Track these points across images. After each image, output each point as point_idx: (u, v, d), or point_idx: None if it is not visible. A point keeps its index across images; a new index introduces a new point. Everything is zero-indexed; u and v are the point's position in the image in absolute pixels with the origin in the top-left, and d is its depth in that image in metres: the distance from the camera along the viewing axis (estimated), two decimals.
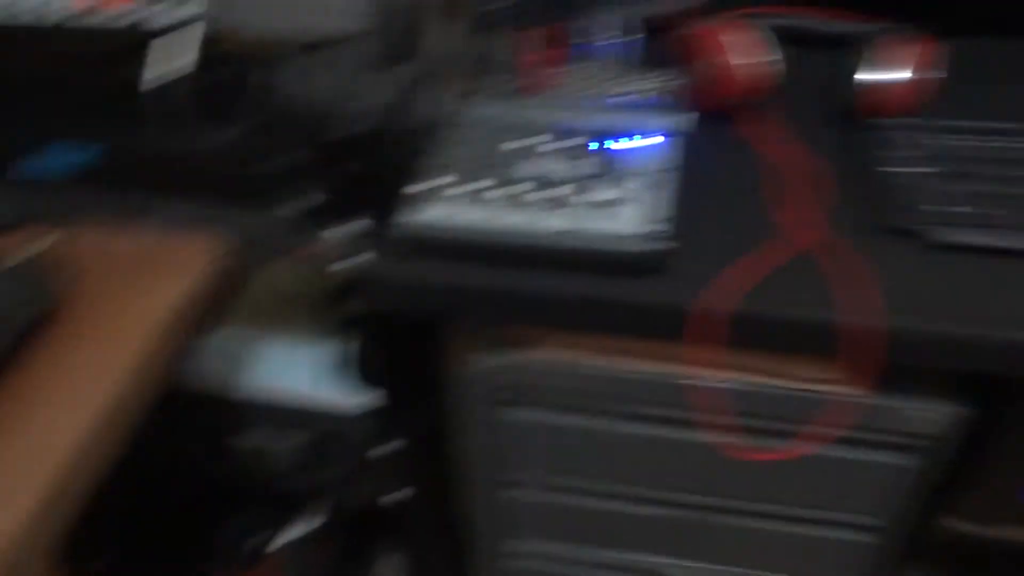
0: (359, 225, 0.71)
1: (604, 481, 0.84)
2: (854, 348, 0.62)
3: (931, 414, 0.71)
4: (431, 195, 0.67)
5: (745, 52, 0.77)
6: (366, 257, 0.68)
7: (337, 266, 0.73)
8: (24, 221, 0.70)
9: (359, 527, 1.12)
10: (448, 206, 0.66)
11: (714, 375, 0.70)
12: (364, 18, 0.74)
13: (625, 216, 0.65)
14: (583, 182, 0.68)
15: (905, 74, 0.76)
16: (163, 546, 1.08)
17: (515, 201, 0.66)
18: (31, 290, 0.65)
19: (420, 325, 0.78)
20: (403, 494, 0.95)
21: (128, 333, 0.66)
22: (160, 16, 0.73)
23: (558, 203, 0.66)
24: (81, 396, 0.62)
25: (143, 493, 0.98)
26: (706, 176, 0.73)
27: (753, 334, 0.64)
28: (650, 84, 0.76)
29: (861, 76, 0.77)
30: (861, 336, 0.61)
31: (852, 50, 0.79)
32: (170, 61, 0.74)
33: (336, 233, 0.72)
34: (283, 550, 1.09)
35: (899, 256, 0.66)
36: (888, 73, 0.76)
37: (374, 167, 0.71)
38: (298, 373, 0.89)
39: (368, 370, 0.85)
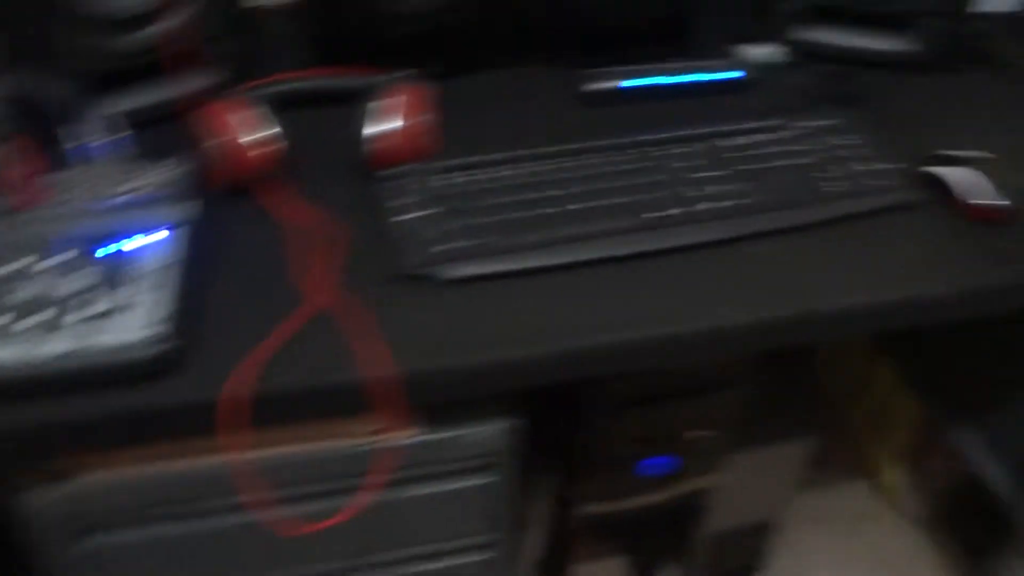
0: None
1: None
2: (381, 399, 0.64)
3: (486, 434, 0.75)
4: None
5: (250, 127, 0.78)
6: None
7: None
8: None
9: None
10: None
11: (259, 454, 0.70)
12: None
13: (127, 323, 0.63)
14: (83, 296, 0.64)
15: (399, 123, 0.80)
16: None
17: (5, 333, 0.62)
18: None
19: None
20: None
21: None
22: None
23: (53, 326, 0.62)
24: None
25: None
26: (222, 258, 0.73)
27: (280, 409, 0.65)
28: (152, 177, 0.74)
29: (367, 130, 0.80)
30: (382, 387, 0.64)
31: (358, 104, 0.82)
32: None
33: None
34: None
35: (416, 300, 0.70)
36: (387, 124, 0.80)
37: None
38: None
39: None
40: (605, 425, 1.00)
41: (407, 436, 0.72)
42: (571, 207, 0.76)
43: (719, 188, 0.79)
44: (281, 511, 0.72)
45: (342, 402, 0.65)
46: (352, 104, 0.82)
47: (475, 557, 0.89)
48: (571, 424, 1.09)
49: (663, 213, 0.76)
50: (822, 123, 0.88)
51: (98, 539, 0.74)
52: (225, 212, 0.77)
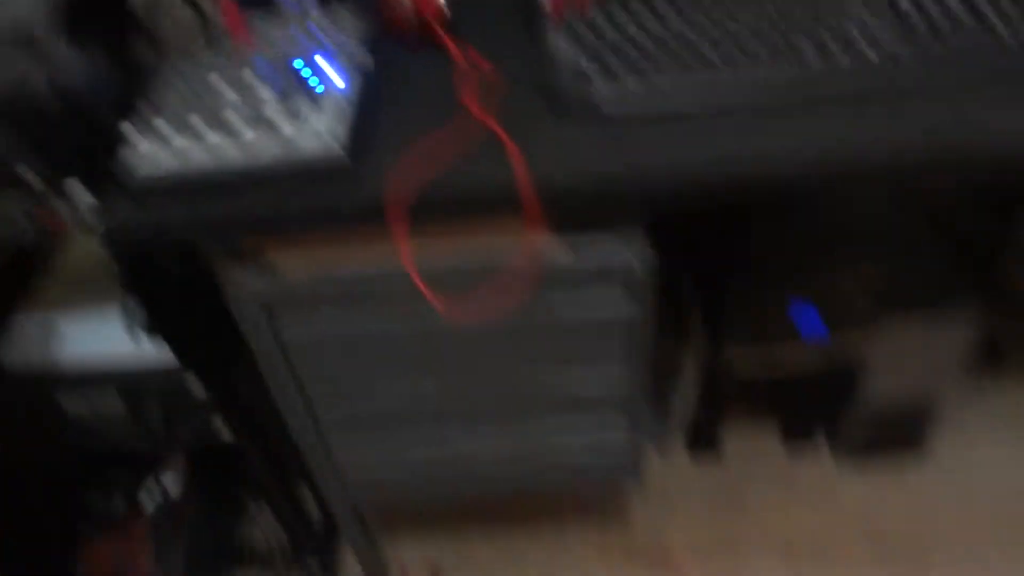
0: (91, 185, 0.78)
1: (390, 382, 0.93)
2: (527, 207, 0.72)
3: (625, 256, 0.82)
4: (151, 140, 0.74)
5: None
6: (107, 211, 0.75)
7: (87, 227, 0.80)
8: None
9: (215, 474, 1.20)
10: (167, 148, 0.74)
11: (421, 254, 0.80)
12: None
13: (313, 133, 0.73)
14: (285, 106, 0.75)
15: None
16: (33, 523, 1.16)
17: (225, 135, 0.74)
18: None
19: (192, 271, 0.86)
20: (233, 435, 1.03)
21: None
22: None
23: (265, 130, 0.74)
24: None
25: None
26: (395, 92, 0.82)
27: (436, 210, 0.74)
28: (338, 25, 0.84)
29: None
30: (528, 195, 0.71)
31: None
32: None
33: (75, 197, 0.79)
34: (149, 509, 1.18)
35: (571, 130, 0.76)
36: None
37: (90, 127, 0.77)
38: (107, 337, 0.95)
39: (155, 325, 0.92)
40: (751, 265, 1.03)
41: (549, 251, 0.80)
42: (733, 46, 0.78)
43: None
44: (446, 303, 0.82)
45: (490, 210, 0.74)
46: None
47: (616, 389, 0.96)
48: (722, 272, 1.12)
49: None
50: None
51: (294, 332, 0.88)
52: (399, 55, 0.86)
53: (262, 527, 1.31)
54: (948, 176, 0.81)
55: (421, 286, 0.79)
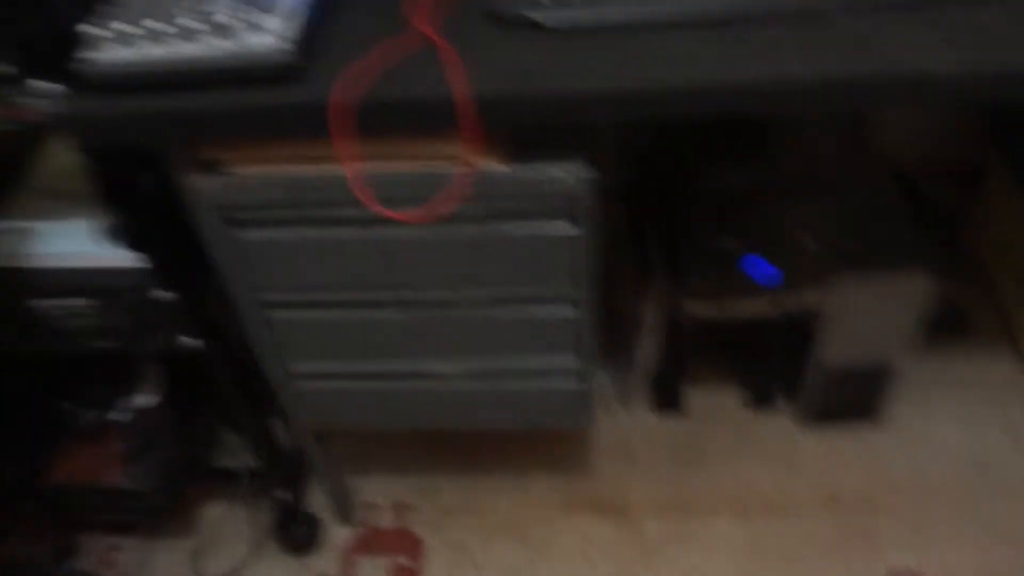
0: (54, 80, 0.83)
1: (334, 290, 0.98)
2: (466, 122, 0.75)
3: (564, 176, 0.85)
4: (110, 38, 0.78)
5: None
6: (65, 103, 0.80)
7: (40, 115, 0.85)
8: None
9: (188, 392, 1.25)
10: (126, 45, 0.78)
11: (365, 166, 0.83)
12: None
13: (263, 37, 0.78)
14: (231, 12, 0.79)
15: None
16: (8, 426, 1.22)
17: (181, 35, 0.78)
18: None
19: (156, 178, 0.91)
20: (194, 339, 1.07)
21: None
22: None
23: (218, 31, 0.78)
24: None
25: None
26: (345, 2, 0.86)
27: (377, 119, 0.77)
28: None
29: None
30: (467, 109, 0.75)
31: None
32: None
33: (38, 90, 0.84)
34: (123, 420, 1.23)
35: (512, 41, 0.80)
36: None
37: (50, 23, 0.82)
38: (77, 243, 1.01)
39: (133, 230, 0.97)
40: (706, 212, 1.06)
41: (487, 165, 0.84)
42: None
43: None
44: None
45: (429, 120, 0.77)
46: None
47: (561, 312, 0.99)
48: (679, 223, 1.15)
49: None
50: None
51: (248, 233, 0.93)
52: None
53: (232, 452, 1.36)
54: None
55: (355, 187, 0.83)
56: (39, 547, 1.33)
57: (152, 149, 0.87)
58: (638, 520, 1.36)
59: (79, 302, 1.02)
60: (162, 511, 1.24)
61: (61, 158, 1.07)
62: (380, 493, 1.43)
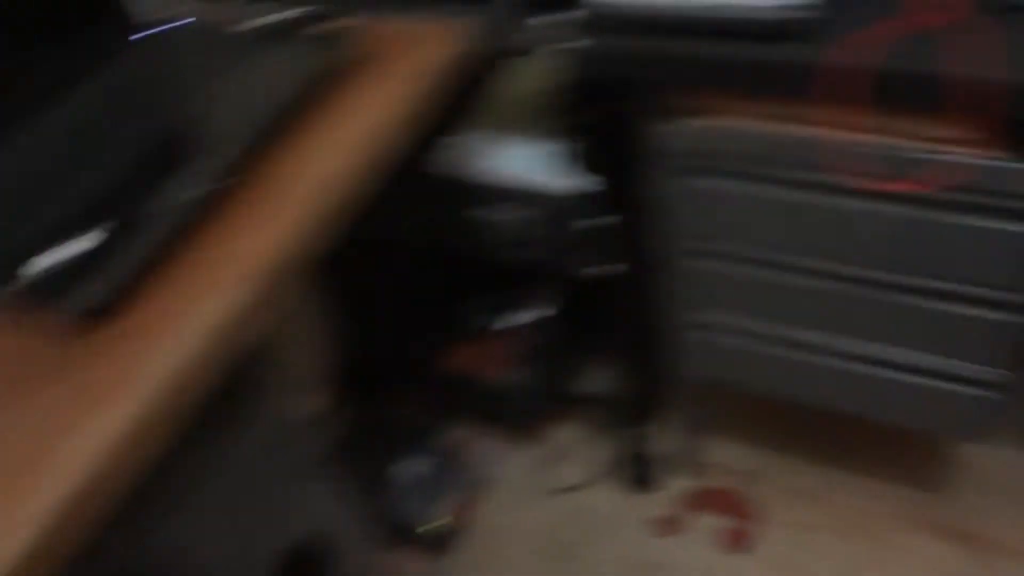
0: (563, 12, 0.90)
1: (774, 250, 0.99)
2: (986, 104, 0.72)
3: None
4: None
5: None
6: (572, 40, 0.87)
7: (550, 50, 0.93)
8: (327, 13, 0.96)
9: (578, 302, 1.33)
10: None
11: (854, 136, 0.83)
12: None
13: None
14: None
15: None
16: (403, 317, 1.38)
17: None
18: (330, 50, 0.90)
19: (622, 109, 0.97)
20: (613, 267, 1.14)
21: (399, 77, 0.91)
22: None
23: None
24: (366, 111, 0.87)
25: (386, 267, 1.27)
26: None
27: (893, 90, 0.77)
28: None
29: None
30: (992, 92, 0.72)
31: None
32: None
33: (543, 21, 0.93)
34: (512, 329, 1.35)
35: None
36: None
37: None
38: (529, 163, 1.10)
39: (590, 159, 1.05)
40: None
41: (988, 156, 0.80)
42: None
43: None
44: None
45: (947, 98, 0.75)
46: None
47: (992, 315, 0.94)
48: None
49: None
50: None
51: (706, 182, 0.96)
52: None
53: (592, 380, 1.44)
54: None
55: (842, 155, 0.82)
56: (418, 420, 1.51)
57: (637, 87, 0.93)
58: (994, 557, 1.27)
59: (520, 215, 1.12)
60: (531, 414, 1.35)
61: (524, 84, 1.17)
62: (728, 457, 1.45)
